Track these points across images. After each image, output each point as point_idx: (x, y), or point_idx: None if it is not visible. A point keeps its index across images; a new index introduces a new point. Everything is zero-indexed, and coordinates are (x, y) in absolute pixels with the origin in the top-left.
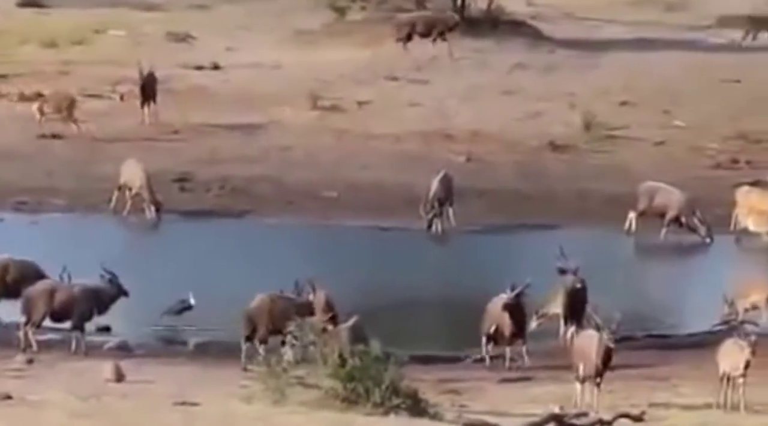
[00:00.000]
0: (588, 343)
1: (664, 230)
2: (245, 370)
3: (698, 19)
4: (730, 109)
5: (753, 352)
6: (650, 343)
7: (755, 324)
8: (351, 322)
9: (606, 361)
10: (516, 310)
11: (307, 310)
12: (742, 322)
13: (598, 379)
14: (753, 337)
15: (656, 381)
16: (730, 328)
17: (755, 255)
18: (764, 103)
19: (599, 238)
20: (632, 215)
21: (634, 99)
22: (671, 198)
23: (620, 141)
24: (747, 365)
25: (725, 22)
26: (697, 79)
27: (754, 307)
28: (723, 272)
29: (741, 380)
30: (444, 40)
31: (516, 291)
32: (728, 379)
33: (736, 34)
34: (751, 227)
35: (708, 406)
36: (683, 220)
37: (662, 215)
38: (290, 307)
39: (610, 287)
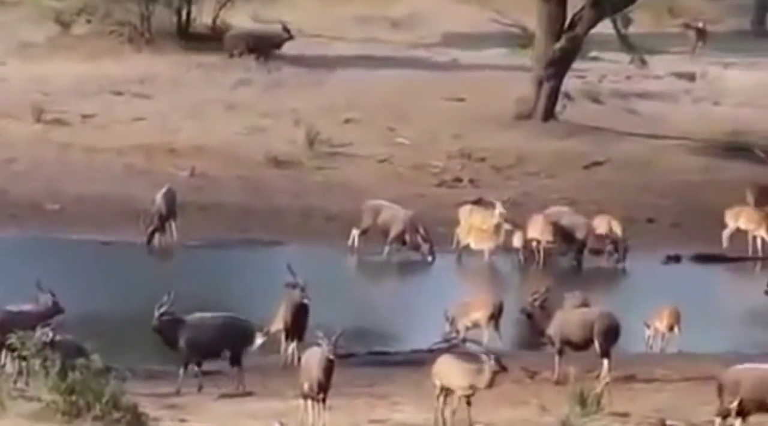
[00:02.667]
0: (311, 359)
1: (387, 248)
2: None
3: (423, 37)
4: (453, 128)
5: (498, 370)
6: (372, 361)
7: (477, 342)
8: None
9: (328, 377)
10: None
11: (34, 321)
12: (464, 340)
13: (321, 395)
14: (491, 357)
15: (376, 398)
16: (451, 346)
17: (476, 273)
18: (487, 122)
19: (322, 255)
20: (355, 232)
21: (359, 116)
22: (395, 216)
23: (344, 158)
24: (491, 383)
25: (449, 40)
26: (421, 97)
27: (476, 325)
28: (446, 290)
29: (465, 398)
30: (267, 57)
31: None
32: (446, 396)
33: (459, 53)
34: (473, 245)
35: (426, 423)
36: (407, 237)
37: (386, 233)
38: (13, 319)
39: (332, 304)
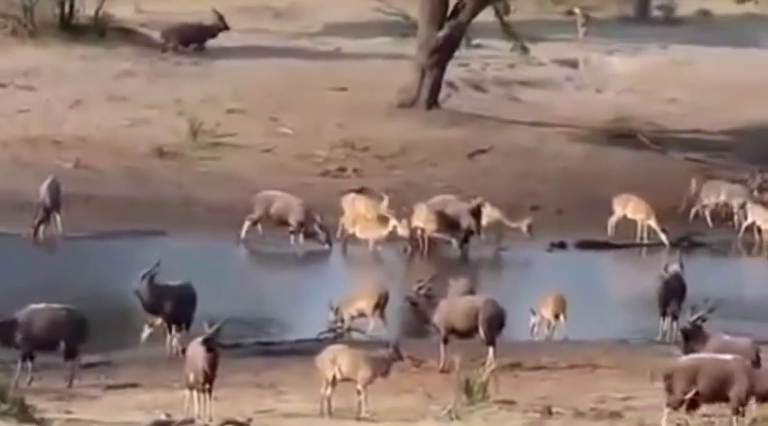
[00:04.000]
0: (196, 349)
1: (293, 237)
2: None
3: (306, 27)
4: (337, 117)
5: (395, 359)
6: (258, 351)
7: (362, 331)
8: None
9: (213, 367)
10: None
11: None
12: (349, 330)
13: (207, 386)
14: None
15: (263, 388)
16: (337, 335)
17: (361, 262)
18: (371, 112)
19: (208, 246)
20: (247, 223)
21: (242, 106)
22: (290, 205)
23: (227, 148)
24: (388, 372)
25: (332, 30)
26: (304, 87)
27: (361, 314)
28: (331, 279)
29: (362, 388)
30: (202, 48)
31: None
32: (333, 386)
33: (342, 42)
34: (358, 234)
35: (312, 412)
36: (300, 228)
37: (281, 223)
38: None
39: (219, 295)
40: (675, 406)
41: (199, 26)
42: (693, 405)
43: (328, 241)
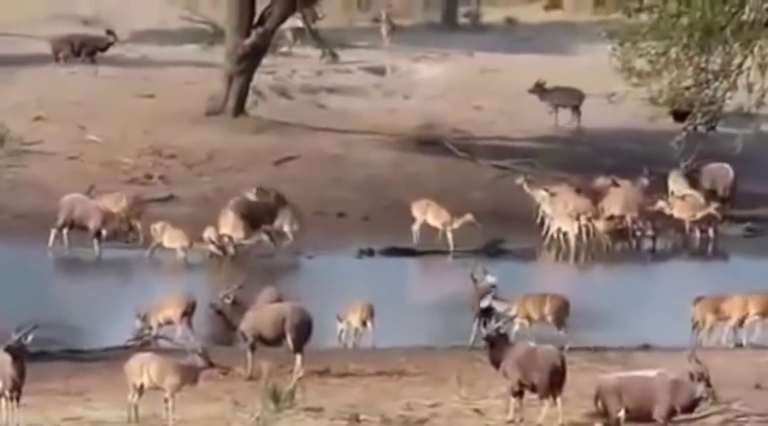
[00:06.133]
0: (2, 357)
1: (95, 242)
2: None
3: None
4: (144, 125)
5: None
6: (66, 358)
7: (169, 339)
8: None
9: (21, 375)
10: None
11: None
12: (156, 337)
13: (15, 393)
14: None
15: (71, 396)
16: (144, 343)
17: (169, 269)
18: (178, 119)
19: (15, 253)
20: (54, 230)
21: (48, 114)
22: (90, 210)
23: (34, 156)
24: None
25: (139, 37)
26: (111, 95)
27: (168, 322)
28: (139, 286)
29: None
30: (93, 61)
31: None
32: (140, 392)
33: (149, 50)
34: (165, 243)
35: (120, 420)
36: (98, 233)
37: (83, 227)
38: None
39: (27, 302)
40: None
41: (89, 38)
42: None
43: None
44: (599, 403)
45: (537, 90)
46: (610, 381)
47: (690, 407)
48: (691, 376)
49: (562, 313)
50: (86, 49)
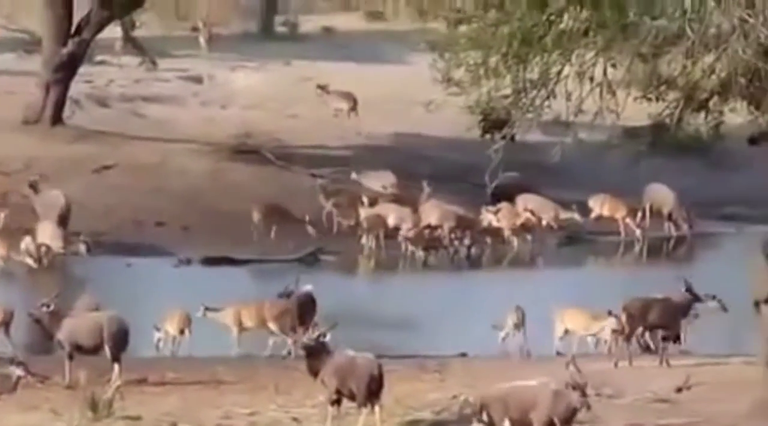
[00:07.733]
0: None
1: None
2: None
3: None
4: None
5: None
6: None
7: None
8: None
9: None
10: None
11: None
12: None
13: None
14: None
15: None
16: None
17: None
18: None
19: None
20: None
21: None
22: None
23: None
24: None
25: None
26: None
27: None
28: None
29: None
30: None
31: None
32: None
33: None
34: None
35: None
36: None
37: None
38: None
39: None
40: None
41: None
42: None
43: None
44: (484, 415)
45: (320, 92)
46: (494, 391)
47: (569, 418)
48: (568, 385)
49: (285, 319)
50: None
